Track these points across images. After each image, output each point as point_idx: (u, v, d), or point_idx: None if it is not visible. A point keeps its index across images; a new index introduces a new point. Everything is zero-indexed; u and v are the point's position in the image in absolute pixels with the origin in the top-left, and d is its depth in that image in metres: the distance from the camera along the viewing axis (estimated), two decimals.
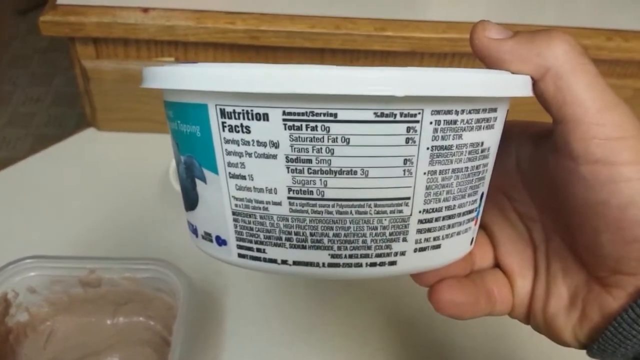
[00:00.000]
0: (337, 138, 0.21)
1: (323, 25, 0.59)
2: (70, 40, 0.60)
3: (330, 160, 0.21)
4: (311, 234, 0.22)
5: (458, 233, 0.24)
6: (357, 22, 0.60)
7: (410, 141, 0.21)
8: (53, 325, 0.44)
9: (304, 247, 0.23)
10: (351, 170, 0.21)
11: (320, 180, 0.21)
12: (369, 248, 0.23)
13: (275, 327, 0.50)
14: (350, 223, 0.22)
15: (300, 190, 0.22)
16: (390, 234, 0.23)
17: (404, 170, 0.22)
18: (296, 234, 0.22)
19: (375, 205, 0.22)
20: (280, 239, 0.23)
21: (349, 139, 0.21)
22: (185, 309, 0.40)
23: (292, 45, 0.60)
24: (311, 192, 0.22)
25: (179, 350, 0.38)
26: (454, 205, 0.23)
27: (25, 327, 0.43)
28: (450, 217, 0.24)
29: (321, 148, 0.21)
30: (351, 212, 0.22)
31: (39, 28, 0.57)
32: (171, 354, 0.38)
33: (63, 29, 0.57)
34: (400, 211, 0.22)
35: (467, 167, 0.23)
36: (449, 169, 0.22)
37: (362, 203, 0.22)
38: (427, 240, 0.23)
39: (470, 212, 0.25)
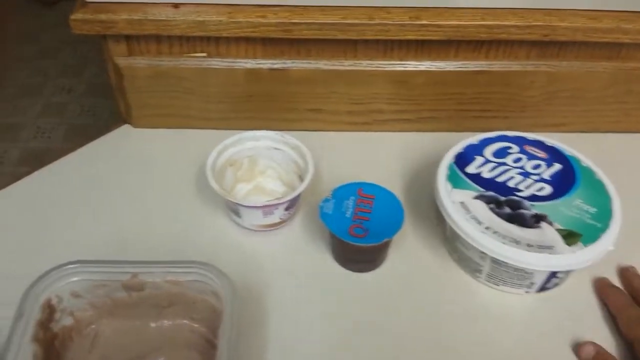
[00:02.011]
0: None
1: (356, 15, 0.56)
2: (102, 37, 0.58)
3: None
4: None
5: None
6: (391, 11, 0.57)
7: None
8: (98, 328, 0.43)
9: None
10: None
11: None
12: None
13: (317, 327, 0.48)
14: None
15: None
16: None
17: None
18: None
19: None
20: None
21: None
22: (229, 311, 0.39)
23: (324, 37, 0.57)
24: None
25: (226, 353, 0.37)
26: None
27: (70, 331, 0.42)
28: None
29: None
30: None
31: (70, 26, 0.55)
32: (219, 357, 0.37)
33: (94, 27, 0.55)
34: None
35: None
36: None
37: None
38: None
39: None
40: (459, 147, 0.56)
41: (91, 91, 1.83)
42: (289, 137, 0.57)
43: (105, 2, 0.55)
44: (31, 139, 1.68)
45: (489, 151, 0.56)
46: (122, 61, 0.59)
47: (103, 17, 0.55)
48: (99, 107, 1.78)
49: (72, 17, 0.55)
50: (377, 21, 0.56)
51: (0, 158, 1.62)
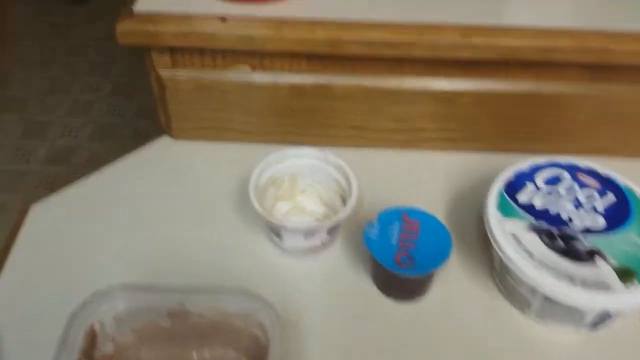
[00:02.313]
0: None
1: (405, 32, 0.54)
2: (145, 48, 0.57)
3: None
4: None
5: None
6: (442, 28, 0.55)
7: None
8: (138, 355, 0.42)
9: None
10: None
11: None
12: None
13: (356, 356, 0.47)
14: None
15: None
16: None
17: None
18: None
19: None
20: None
21: None
22: (276, 344, 0.37)
23: (372, 54, 0.55)
24: None
25: None
26: None
27: (111, 358, 0.41)
28: None
29: None
30: None
31: (116, 36, 0.54)
32: None
33: (140, 38, 0.54)
34: None
35: None
36: None
37: None
38: None
39: None
40: (508, 174, 0.54)
41: (117, 90, 1.83)
42: (332, 156, 0.55)
43: (152, 13, 0.54)
44: (58, 137, 1.68)
45: (540, 178, 0.54)
46: (165, 73, 0.58)
47: (150, 28, 0.53)
48: (124, 106, 1.78)
49: (119, 27, 0.54)
50: (427, 38, 0.54)
51: (28, 156, 1.63)
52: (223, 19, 0.54)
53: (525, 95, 0.60)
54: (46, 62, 1.92)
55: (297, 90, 0.59)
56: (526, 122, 0.63)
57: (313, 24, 0.54)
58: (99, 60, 1.94)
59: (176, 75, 0.58)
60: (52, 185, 1.55)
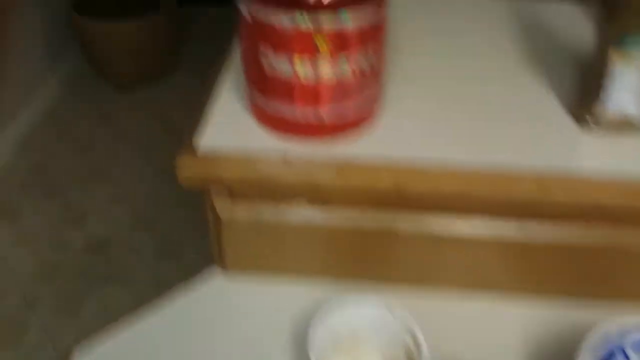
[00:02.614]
0: None
1: (478, 182, 0.51)
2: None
3: None
4: None
5: None
6: (517, 180, 0.52)
7: None
8: None
9: None
10: None
11: None
12: None
13: None
14: None
15: None
16: None
17: None
18: None
19: None
20: None
21: None
22: None
23: (441, 204, 0.52)
24: None
25: None
26: None
27: None
28: None
29: None
30: None
31: (177, 177, 0.52)
32: None
33: (201, 180, 0.52)
34: None
35: None
36: None
37: None
38: None
39: None
40: (594, 340, 0.49)
41: (160, 178, 1.84)
42: (398, 309, 0.51)
43: (215, 153, 0.52)
44: (97, 225, 1.68)
45: (629, 343, 0.49)
46: (222, 210, 0.56)
47: (212, 171, 0.52)
48: (166, 194, 1.78)
49: (180, 168, 0.52)
50: (501, 190, 0.51)
51: (65, 244, 1.62)
52: (286, 160, 0.52)
53: (605, 245, 0.55)
54: (91, 149, 1.96)
55: (359, 231, 0.56)
56: (605, 273, 0.58)
57: (379, 169, 0.52)
58: (143, 147, 1.96)
59: (234, 212, 0.56)
60: (87, 276, 1.53)
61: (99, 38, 2.08)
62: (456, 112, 0.58)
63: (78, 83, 2.26)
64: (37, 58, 2.08)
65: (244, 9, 0.49)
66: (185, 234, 1.65)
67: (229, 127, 0.55)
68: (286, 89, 0.50)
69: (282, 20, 0.47)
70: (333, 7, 0.46)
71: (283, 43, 0.48)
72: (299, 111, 0.51)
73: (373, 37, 0.50)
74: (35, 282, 1.52)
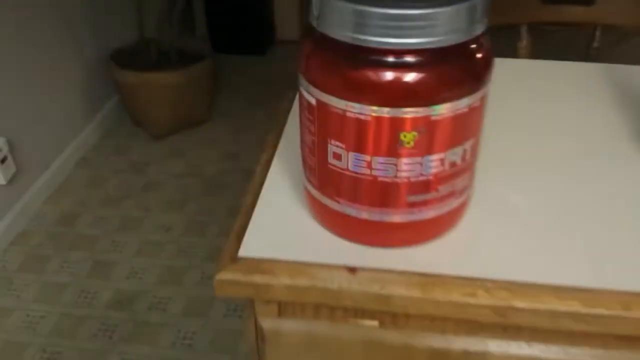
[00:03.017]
0: None
1: (606, 302, 0.39)
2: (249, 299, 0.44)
3: None
4: None
5: None
6: None
7: None
8: None
9: None
10: None
11: None
12: None
13: None
14: None
15: None
16: None
17: None
18: None
19: None
20: None
21: None
22: None
23: (556, 328, 0.40)
24: None
25: None
26: None
27: None
28: None
29: None
30: None
31: (214, 286, 0.42)
32: None
33: (245, 290, 0.41)
34: None
35: None
36: None
37: None
38: None
39: None
40: None
41: (190, 229, 1.75)
42: None
43: (261, 258, 0.42)
44: (123, 279, 1.59)
45: None
46: (268, 323, 0.45)
47: (258, 279, 0.41)
48: (195, 246, 1.69)
49: (218, 276, 0.41)
50: (632, 315, 0.39)
51: (90, 299, 1.53)
52: (352, 270, 0.41)
53: None
54: (121, 198, 1.89)
55: (439, 356, 0.44)
56: None
57: (474, 282, 0.40)
58: (175, 199, 1.88)
59: (282, 326, 0.45)
60: (112, 334, 1.43)
61: (136, 88, 2.05)
62: (566, 210, 0.47)
63: (114, 132, 2.22)
64: (76, 108, 2.05)
65: (308, 94, 0.39)
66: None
67: (281, 226, 0.44)
68: (355, 186, 0.40)
69: (357, 111, 0.37)
70: (424, 101, 0.36)
71: (355, 136, 0.38)
72: (368, 211, 0.40)
73: (467, 125, 0.39)
74: (58, 336, 1.43)
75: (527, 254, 0.42)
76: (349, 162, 0.39)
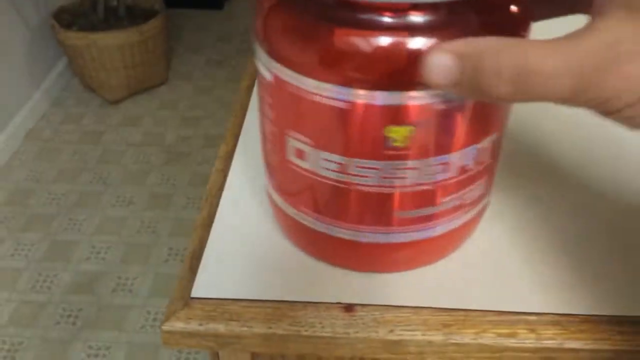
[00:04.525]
0: None
1: None
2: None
3: None
4: None
5: None
6: None
7: None
8: None
9: None
10: None
11: None
12: None
13: None
14: None
15: None
16: None
17: None
18: None
19: None
20: None
21: None
22: None
23: None
24: None
25: None
26: None
27: None
28: None
29: None
30: None
31: (161, 339, 0.30)
32: None
33: (205, 342, 0.30)
34: None
35: None
36: None
37: None
38: None
39: None
40: None
41: (153, 202, 1.62)
42: None
43: (224, 298, 0.30)
44: (84, 260, 1.46)
45: None
46: None
47: (222, 328, 0.29)
48: (160, 221, 1.56)
49: (166, 327, 0.30)
50: None
51: (49, 283, 1.40)
52: (349, 308, 0.30)
53: None
54: (76, 171, 1.73)
55: None
56: None
57: (509, 317, 0.30)
58: (134, 169, 1.74)
59: None
60: (75, 320, 1.31)
61: (84, 50, 1.87)
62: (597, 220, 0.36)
63: (64, 99, 2.04)
64: (19, 75, 1.85)
65: (265, 68, 0.27)
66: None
67: (249, 252, 0.33)
68: (324, 196, 0.28)
69: (332, 94, 0.25)
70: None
71: (326, 130, 0.26)
72: (345, 229, 0.29)
73: (488, 115, 0.28)
74: (17, 326, 1.31)
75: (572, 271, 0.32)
76: (316, 163, 0.27)
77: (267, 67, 0.27)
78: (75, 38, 1.85)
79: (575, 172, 0.38)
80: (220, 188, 0.35)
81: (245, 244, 0.32)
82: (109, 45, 1.86)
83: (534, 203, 0.36)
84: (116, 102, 1.98)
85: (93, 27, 1.88)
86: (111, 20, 1.92)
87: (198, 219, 0.33)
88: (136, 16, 1.92)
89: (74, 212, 1.59)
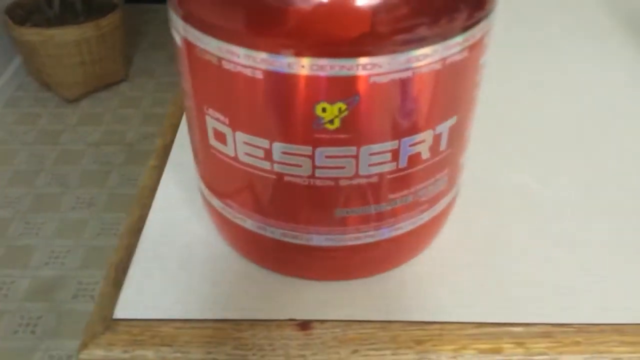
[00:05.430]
0: None
1: None
2: None
3: None
4: None
5: None
6: None
7: None
8: None
9: None
10: None
11: None
12: None
13: None
14: None
15: None
16: None
17: None
18: None
19: None
20: None
21: None
22: None
23: None
24: None
25: None
26: None
27: None
28: None
29: None
30: None
31: None
32: None
33: None
34: None
35: None
36: None
37: None
38: None
39: None
40: None
41: (113, 204, 1.55)
42: None
43: (153, 319, 0.25)
44: (42, 265, 1.38)
45: None
46: None
47: (151, 355, 0.24)
48: (121, 223, 1.49)
49: (83, 355, 0.24)
50: None
51: (6, 291, 1.32)
52: (304, 325, 0.25)
53: None
54: (33, 173, 1.65)
55: None
56: None
57: (492, 331, 0.25)
58: (94, 169, 1.66)
59: None
60: (34, 329, 1.24)
61: (39, 47, 1.78)
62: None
63: (19, 98, 1.94)
64: None
65: (175, 30, 0.22)
66: None
67: (185, 261, 0.27)
68: (251, 188, 0.23)
69: (243, 60, 0.20)
70: (380, 43, 0.19)
71: (242, 105, 0.21)
72: (276, 228, 0.24)
73: (448, 91, 0.23)
74: None
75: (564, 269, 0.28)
76: (237, 147, 0.22)
77: (177, 30, 0.22)
78: (30, 34, 1.76)
79: (562, 166, 0.34)
80: (154, 188, 0.30)
81: (180, 253, 0.27)
82: (66, 41, 1.77)
83: (514, 198, 0.32)
84: (74, 100, 1.90)
85: (48, 23, 1.80)
86: (67, 16, 1.84)
87: (125, 224, 0.28)
88: (94, 11, 1.84)
89: (31, 215, 1.51)
